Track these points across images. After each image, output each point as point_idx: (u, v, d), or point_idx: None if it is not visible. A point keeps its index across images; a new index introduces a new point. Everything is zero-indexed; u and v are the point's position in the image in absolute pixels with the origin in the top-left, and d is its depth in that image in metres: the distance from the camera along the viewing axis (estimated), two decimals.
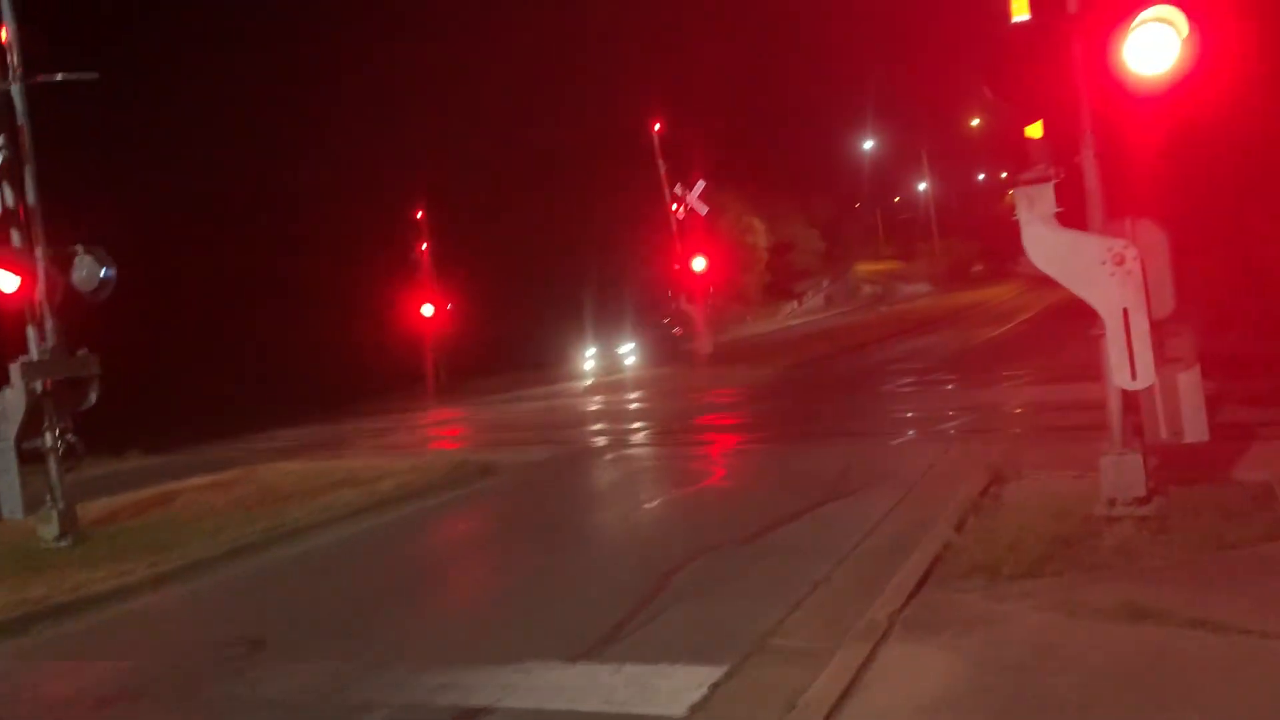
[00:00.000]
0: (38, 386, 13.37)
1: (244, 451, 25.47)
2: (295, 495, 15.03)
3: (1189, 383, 8.33)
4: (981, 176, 72.39)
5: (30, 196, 13.48)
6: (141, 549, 12.23)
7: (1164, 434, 8.42)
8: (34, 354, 13.49)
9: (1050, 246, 8.47)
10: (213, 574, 11.59)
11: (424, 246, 42.78)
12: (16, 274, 13.25)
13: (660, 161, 36.93)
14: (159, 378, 27.85)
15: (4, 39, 13.38)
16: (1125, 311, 8.01)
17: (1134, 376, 8.01)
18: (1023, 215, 8.55)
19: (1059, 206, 8.46)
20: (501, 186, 48.70)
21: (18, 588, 10.79)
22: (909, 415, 17.50)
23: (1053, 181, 8.49)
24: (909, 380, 22.68)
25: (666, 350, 39.53)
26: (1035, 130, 8.69)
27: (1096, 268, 8.14)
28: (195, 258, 38.21)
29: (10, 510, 13.77)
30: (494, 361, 43.74)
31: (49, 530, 13.38)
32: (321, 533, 13.14)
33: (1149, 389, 8.21)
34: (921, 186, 71.43)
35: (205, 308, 38.44)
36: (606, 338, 43.77)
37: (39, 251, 13.50)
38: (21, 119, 13.44)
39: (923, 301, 56.74)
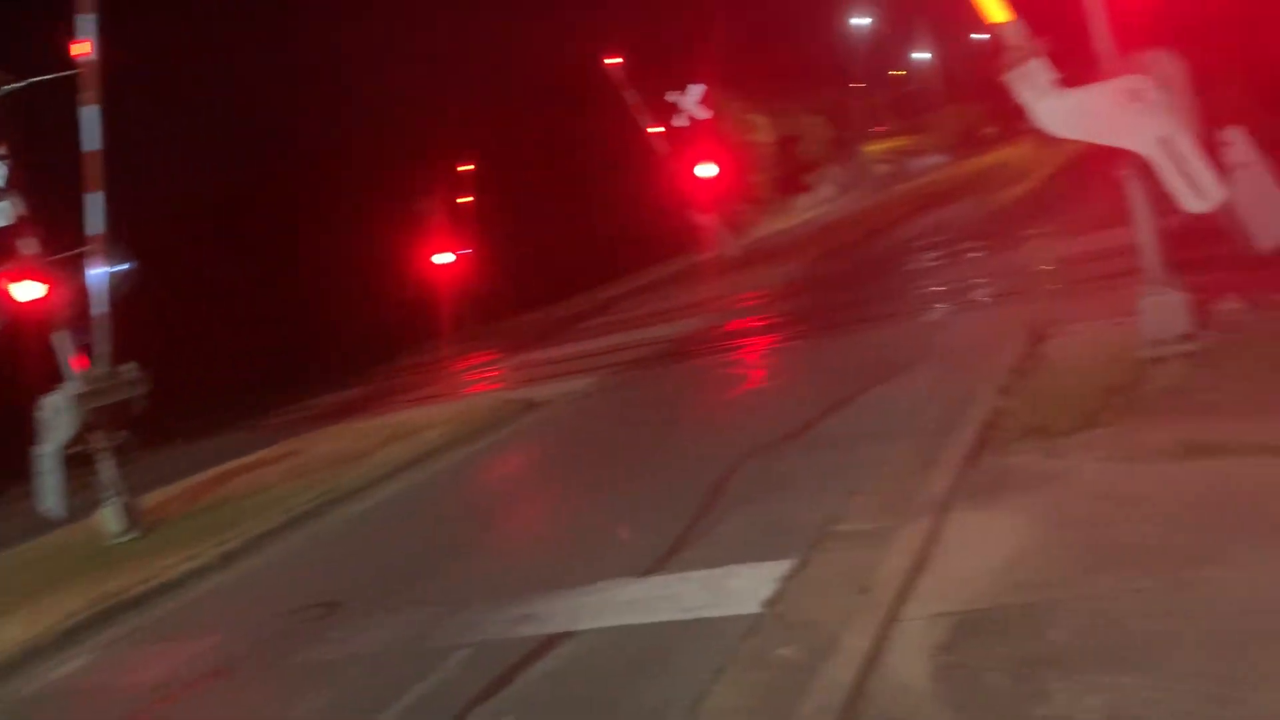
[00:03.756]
0: (87, 412, 13.55)
1: (284, 423, 25.80)
2: (345, 458, 15.23)
3: (1260, 179, 8.09)
4: (983, 36, 70.42)
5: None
6: (205, 531, 12.49)
7: (1265, 240, 8.21)
8: (66, 352, 13.63)
9: (1066, 113, 8.23)
10: (277, 545, 11.85)
11: (467, 199, 44.04)
12: (40, 281, 13.31)
13: (628, 92, 37.10)
14: (183, 361, 28.11)
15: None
16: (1166, 140, 7.78)
17: (1202, 197, 7.78)
18: (1026, 97, 8.32)
19: (1057, 73, 8.24)
20: (498, 128, 48.09)
21: (97, 583, 11.10)
22: (941, 289, 17.30)
23: (1038, 55, 8.26)
24: (935, 254, 22.40)
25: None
26: (1000, 14, 8.43)
27: (1119, 112, 7.90)
28: (203, 233, 38.28)
29: (53, 508, 14.15)
30: (522, 300, 43.94)
31: (114, 525, 13.69)
32: (377, 490, 13.33)
33: (1224, 206, 7.95)
34: (922, 56, 69.72)
35: (218, 283, 38.56)
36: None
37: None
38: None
39: (938, 173, 55.64)
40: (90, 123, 13.51)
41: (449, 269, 43.14)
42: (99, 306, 13.85)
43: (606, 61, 37.32)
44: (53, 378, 13.72)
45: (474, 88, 47.48)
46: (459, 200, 44.83)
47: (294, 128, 42.25)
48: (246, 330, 37.69)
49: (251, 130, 41.06)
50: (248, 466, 17.43)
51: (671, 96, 36.84)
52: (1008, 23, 8.33)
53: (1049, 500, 6.32)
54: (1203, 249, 11.61)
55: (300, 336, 38.21)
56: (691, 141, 37.10)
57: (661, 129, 37.50)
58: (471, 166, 45.61)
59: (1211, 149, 7.88)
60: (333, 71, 43.87)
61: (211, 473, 17.78)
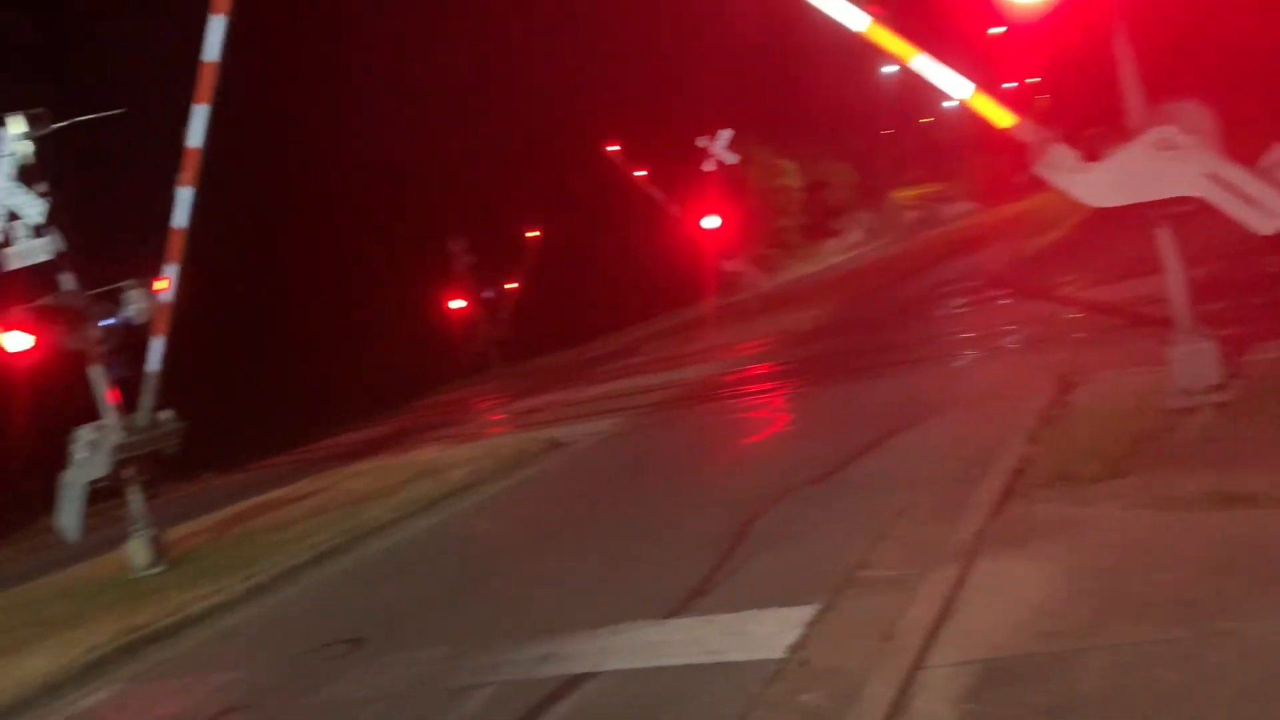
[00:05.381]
0: (121, 458, 13.79)
1: (313, 458, 25.94)
2: (371, 495, 15.30)
3: None
4: (1011, 85, 70.65)
5: None
6: (231, 565, 12.55)
7: None
8: (102, 386, 13.82)
9: (1104, 182, 8.30)
10: (303, 580, 11.89)
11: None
12: (30, 332, 13.32)
13: (633, 173, 39.84)
14: (213, 398, 28.46)
15: None
16: (1213, 175, 7.79)
17: (1271, 215, 7.73)
18: (1062, 181, 8.43)
19: (1078, 150, 8.35)
20: (548, 192, 49.30)
21: (122, 616, 11.14)
22: (968, 336, 17.26)
23: (1056, 141, 8.40)
24: (963, 301, 22.36)
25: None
26: (1007, 120, 8.63)
27: (1155, 165, 7.93)
28: (236, 274, 38.90)
29: (68, 531, 14.32)
30: (551, 341, 44.46)
31: (141, 559, 13.77)
32: (402, 527, 13.38)
33: None
34: (952, 103, 69.94)
35: (250, 324, 39.06)
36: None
37: None
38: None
39: (967, 220, 55.73)
40: (199, 120, 13.59)
41: (474, 309, 43.95)
42: (151, 365, 14.08)
43: (608, 149, 39.35)
44: (89, 407, 13.95)
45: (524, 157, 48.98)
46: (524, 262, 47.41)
47: (342, 183, 43.31)
48: (276, 369, 38.10)
49: (307, 181, 42.05)
50: (274, 502, 17.55)
51: (701, 141, 37.12)
52: (1017, 125, 8.49)
53: (1076, 548, 6.27)
54: (1236, 298, 11.60)
55: (328, 374, 38.58)
56: (720, 187, 37.40)
57: (664, 198, 39.93)
58: (538, 233, 48.28)
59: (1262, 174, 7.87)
60: (389, 144, 45.31)
61: (238, 507, 17.91)
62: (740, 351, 25.00)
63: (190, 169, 13.68)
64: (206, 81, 13.40)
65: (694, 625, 7.02)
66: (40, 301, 13.62)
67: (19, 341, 13.26)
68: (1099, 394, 9.79)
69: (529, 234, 48.65)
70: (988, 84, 9.07)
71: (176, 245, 13.93)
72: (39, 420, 17.95)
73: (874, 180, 71.67)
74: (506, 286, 47.26)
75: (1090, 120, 9.46)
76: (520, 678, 6.89)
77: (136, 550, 13.81)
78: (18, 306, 13.46)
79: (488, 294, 46.03)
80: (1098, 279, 18.63)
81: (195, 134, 13.60)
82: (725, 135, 36.59)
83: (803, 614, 6.56)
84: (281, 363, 38.88)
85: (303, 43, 42.90)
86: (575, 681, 6.56)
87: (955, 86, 8.83)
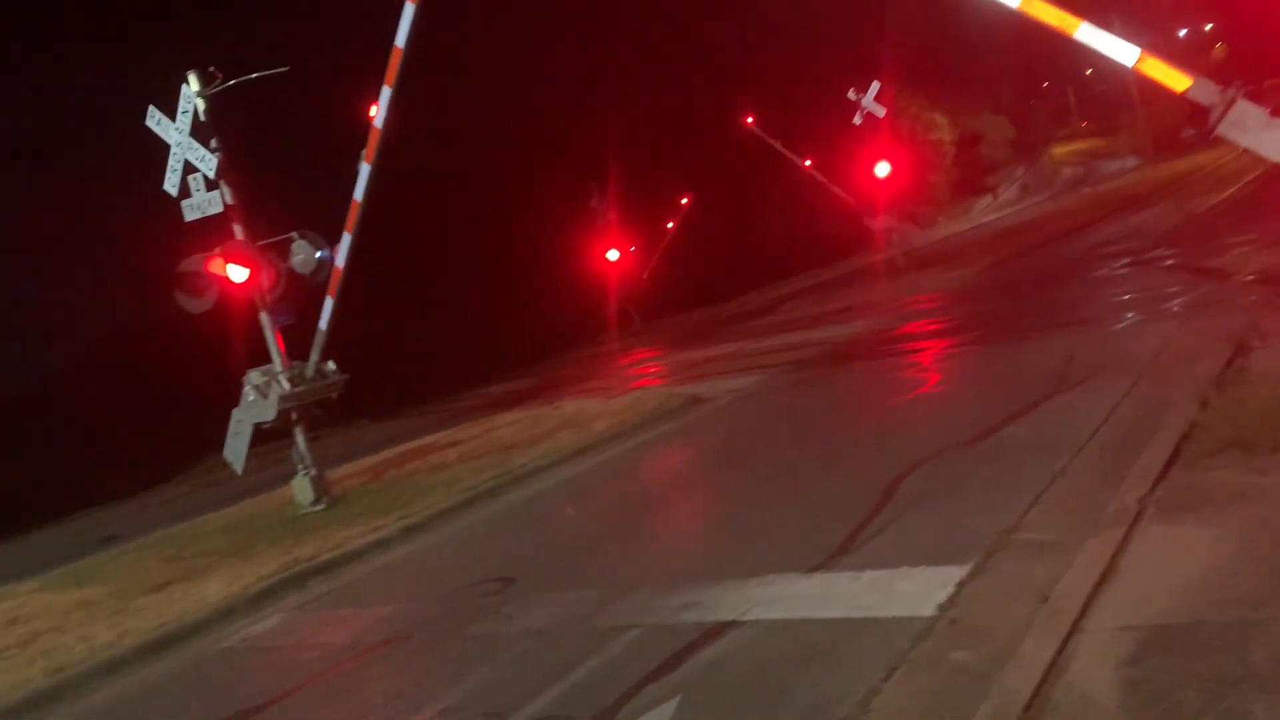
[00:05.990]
0: (289, 406, 14.59)
1: (464, 408, 26.76)
2: (519, 443, 15.72)
3: None
4: (1183, 32, 66.50)
5: None
6: (388, 506, 13.13)
7: None
8: (271, 331, 14.60)
9: None
10: (455, 521, 12.36)
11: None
12: (245, 265, 14.28)
13: (774, 141, 40.13)
14: (374, 345, 29.74)
15: None
16: None
17: None
18: (1248, 141, 7.96)
19: (1264, 105, 7.84)
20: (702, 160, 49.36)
21: (288, 549, 11.83)
22: (1130, 297, 16.49)
23: (1239, 97, 7.90)
24: (1125, 261, 21.32)
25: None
26: (1182, 83, 8.11)
27: None
28: (397, 229, 40.35)
29: (234, 464, 15.32)
30: (693, 297, 44.56)
31: (305, 497, 14.55)
32: (549, 474, 13.73)
33: None
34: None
35: (404, 275, 40.45)
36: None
37: None
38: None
39: (1130, 177, 53.00)
40: (383, 101, 14.10)
41: (618, 265, 44.33)
42: (321, 323, 14.91)
43: (747, 120, 39.54)
44: (260, 352, 14.80)
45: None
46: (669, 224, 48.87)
47: (492, 146, 44.52)
48: (431, 324, 39.46)
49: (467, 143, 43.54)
50: (428, 447, 18.23)
51: (850, 94, 36.23)
52: (1193, 85, 8.01)
53: (1251, 517, 5.96)
54: None
55: (479, 330, 39.77)
56: (867, 141, 36.52)
57: (809, 162, 40.45)
58: (687, 200, 49.51)
59: None
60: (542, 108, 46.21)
61: (394, 451, 18.69)
62: (887, 310, 24.52)
63: (373, 146, 14.22)
64: (394, 66, 13.84)
65: (840, 580, 7.00)
66: (262, 242, 14.57)
67: (239, 273, 14.17)
68: (1277, 360, 9.24)
69: (682, 199, 48.90)
70: (1158, 43, 8.62)
71: (353, 217, 14.54)
72: (215, 363, 19.10)
73: (1031, 135, 68.78)
74: (652, 245, 47.62)
75: (1272, 70, 8.93)
76: (665, 622, 7.01)
77: (301, 488, 14.60)
78: (236, 241, 14.36)
79: (633, 252, 46.45)
80: (1275, 240, 17.50)
81: (380, 114, 14.10)
82: (874, 87, 35.62)
83: (953, 574, 6.45)
84: (436, 318, 40.24)
85: (463, 22, 43.97)
86: (720, 629, 6.63)
87: (1122, 53, 8.39)
